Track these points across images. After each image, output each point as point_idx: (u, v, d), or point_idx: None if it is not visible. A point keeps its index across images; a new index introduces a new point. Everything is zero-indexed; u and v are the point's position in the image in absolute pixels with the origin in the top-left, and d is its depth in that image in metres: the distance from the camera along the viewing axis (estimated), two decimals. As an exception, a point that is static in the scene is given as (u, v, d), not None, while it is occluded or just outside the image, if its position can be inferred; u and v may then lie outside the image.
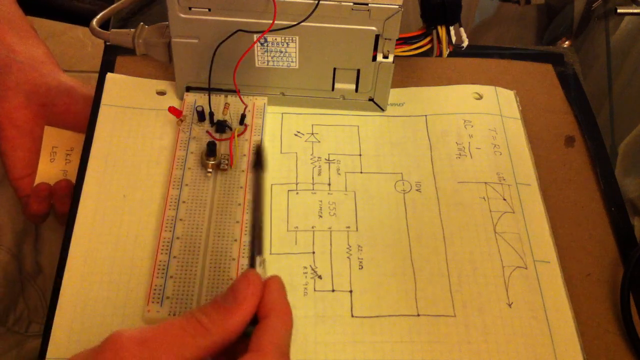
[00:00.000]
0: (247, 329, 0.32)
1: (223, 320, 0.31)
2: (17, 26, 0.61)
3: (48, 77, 0.58)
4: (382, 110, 0.54)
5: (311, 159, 0.51)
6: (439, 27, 0.50)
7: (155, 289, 0.42)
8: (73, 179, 0.57)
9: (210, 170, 0.48)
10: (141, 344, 0.30)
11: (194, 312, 0.32)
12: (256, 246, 0.35)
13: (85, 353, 0.30)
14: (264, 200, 0.38)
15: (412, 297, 0.44)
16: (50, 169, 0.57)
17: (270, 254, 0.46)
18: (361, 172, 0.51)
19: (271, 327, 0.32)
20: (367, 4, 0.47)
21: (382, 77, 0.52)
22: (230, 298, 0.32)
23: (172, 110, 0.50)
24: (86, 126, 0.52)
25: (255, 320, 0.32)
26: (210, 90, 0.51)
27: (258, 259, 0.35)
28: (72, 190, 0.56)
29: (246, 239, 0.45)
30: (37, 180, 0.57)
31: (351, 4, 0.47)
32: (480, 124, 0.54)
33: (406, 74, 0.57)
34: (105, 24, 0.58)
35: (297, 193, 0.49)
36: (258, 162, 0.39)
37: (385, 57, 0.50)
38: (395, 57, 0.50)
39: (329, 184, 0.50)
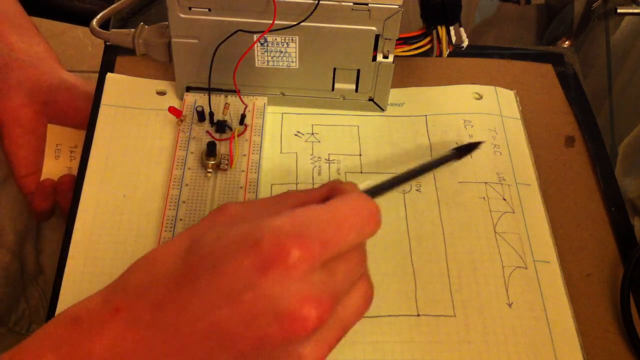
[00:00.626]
0: None
1: (309, 190, 0.35)
2: (17, 24, 0.61)
3: (49, 74, 0.58)
4: (382, 110, 0.54)
5: (311, 159, 0.51)
6: (439, 27, 0.50)
7: (155, 289, 0.42)
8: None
9: (210, 170, 0.48)
10: (243, 205, 0.34)
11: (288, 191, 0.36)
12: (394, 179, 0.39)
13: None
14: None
15: (412, 297, 0.44)
16: (55, 166, 0.58)
17: (270, 254, 0.46)
18: (361, 172, 0.51)
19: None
20: (367, 4, 0.47)
21: (382, 77, 0.52)
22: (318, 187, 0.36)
23: (172, 110, 0.50)
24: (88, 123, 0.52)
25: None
26: (210, 90, 0.51)
27: (367, 182, 0.38)
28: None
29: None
30: (43, 178, 0.57)
31: (351, 4, 0.47)
32: (480, 124, 0.54)
33: (406, 74, 0.57)
34: (105, 24, 0.58)
35: (297, 193, 0.49)
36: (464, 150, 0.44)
37: (385, 57, 0.50)
38: (395, 57, 0.50)
39: (329, 184, 0.50)
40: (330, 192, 0.35)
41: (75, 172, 0.57)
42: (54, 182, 0.57)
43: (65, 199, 0.56)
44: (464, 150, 0.44)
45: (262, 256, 0.28)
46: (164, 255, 0.32)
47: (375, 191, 0.38)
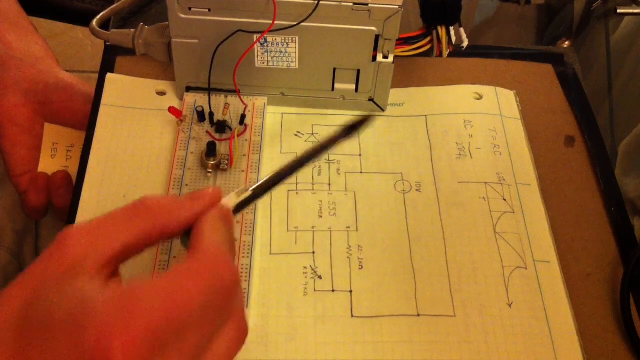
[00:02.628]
0: (184, 237, 0.32)
1: (172, 208, 0.31)
2: (15, 23, 0.61)
3: (46, 74, 0.58)
4: (382, 110, 0.54)
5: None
6: (439, 27, 0.50)
7: (155, 289, 0.42)
8: (74, 174, 0.57)
9: (210, 170, 0.48)
10: (86, 233, 0.30)
11: (146, 196, 0.31)
12: (257, 184, 0.35)
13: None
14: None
15: (412, 297, 0.44)
16: (51, 165, 0.58)
17: (270, 254, 0.46)
18: (361, 172, 0.51)
19: (216, 231, 0.32)
20: (367, 4, 0.47)
21: (382, 77, 0.52)
22: (187, 195, 0.33)
23: (172, 110, 0.50)
24: (85, 123, 0.52)
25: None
26: (210, 90, 0.51)
27: (242, 187, 0.35)
28: (70, 182, 0.56)
29: (246, 239, 0.45)
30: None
31: (351, 4, 0.47)
32: (480, 124, 0.54)
33: (406, 74, 0.57)
34: (105, 24, 0.58)
35: (297, 193, 0.49)
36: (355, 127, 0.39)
37: (385, 57, 0.50)
38: (395, 57, 0.50)
39: (329, 184, 0.50)
40: (195, 216, 0.32)
41: (71, 172, 0.57)
42: (47, 176, 0.57)
43: (58, 195, 0.56)
44: (353, 127, 0.40)
45: (86, 349, 0.26)
46: None
47: (251, 198, 0.35)
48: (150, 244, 0.31)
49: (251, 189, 0.35)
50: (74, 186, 0.49)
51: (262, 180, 0.36)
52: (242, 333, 0.32)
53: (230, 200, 0.34)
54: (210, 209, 0.33)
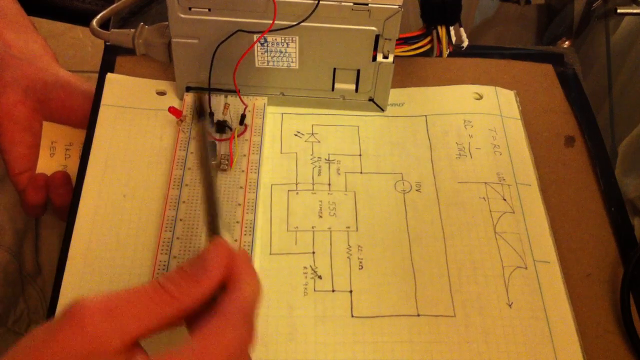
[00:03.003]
0: (215, 293, 0.32)
1: (191, 289, 0.31)
2: (14, 21, 0.61)
3: (45, 72, 0.58)
4: (382, 110, 0.54)
5: (311, 159, 0.51)
6: (439, 27, 0.50)
7: (155, 289, 0.42)
8: (73, 173, 0.57)
9: (210, 170, 0.48)
10: (106, 313, 0.28)
11: (161, 280, 0.31)
12: (216, 211, 0.35)
13: (46, 325, 0.29)
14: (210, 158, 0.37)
15: (412, 297, 0.44)
16: (50, 164, 0.57)
17: (270, 254, 0.46)
18: (361, 172, 0.51)
19: (237, 292, 0.31)
20: (367, 4, 0.47)
21: (382, 77, 0.52)
22: (198, 266, 0.32)
23: (172, 110, 0.50)
24: (84, 121, 0.52)
25: (222, 286, 0.32)
26: (210, 90, 0.51)
27: (220, 222, 0.35)
28: (69, 182, 0.56)
29: (246, 239, 0.45)
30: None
31: (351, 4, 0.47)
32: (480, 124, 0.54)
33: (406, 74, 0.57)
34: (105, 24, 0.58)
35: (297, 193, 0.49)
36: (201, 111, 0.39)
37: (385, 57, 0.50)
38: (395, 57, 0.50)
39: (329, 184, 0.50)
40: (214, 288, 0.31)
41: (70, 170, 0.57)
42: (46, 176, 0.57)
43: (57, 194, 0.56)
44: (200, 110, 0.40)
45: None
46: None
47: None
48: (173, 325, 0.31)
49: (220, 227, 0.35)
50: (74, 186, 0.49)
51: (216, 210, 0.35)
52: None
53: (228, 240, 0.34)
54: (228, 266, 0.32)
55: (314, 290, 0.44)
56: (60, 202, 0.56)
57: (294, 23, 0.47)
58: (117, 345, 0.28)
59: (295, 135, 0.52)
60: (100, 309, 0.28)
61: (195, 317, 0.31)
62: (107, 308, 0.29)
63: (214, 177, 0.36)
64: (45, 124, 0.58)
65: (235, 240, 0.45)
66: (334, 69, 0.51)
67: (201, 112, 0.39)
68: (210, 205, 0.35)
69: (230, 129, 0.50)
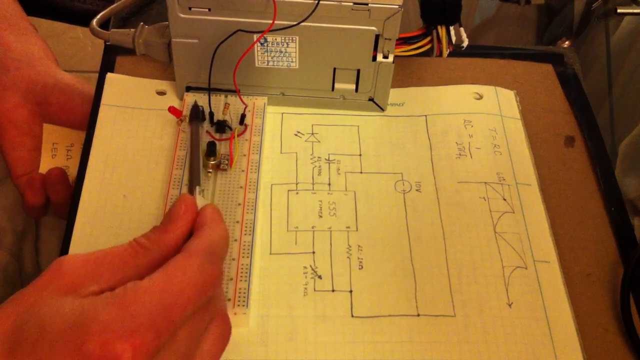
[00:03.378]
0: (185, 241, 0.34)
1: (160, 238, 0.33)
2: (14, 23, 0.61)
3: (44, 74, 0.58)
4: (382, 110, 0.54)
5: (311, 159, 0.51)
6: (439, 27, 0.50)
7: (155, 289, 0.42)
8: (75, 174, 0.57)
9: (210, 170, 0.48)
10: (83, 262, 0.31)
11: (136, 237, 0.33)
12: (195, 177, 0.40)
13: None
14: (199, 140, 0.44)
15: (412, 297, 0.44)
16: (52, 165, 0.58)
17: (270, 254, 0.46)
18: (361, 172, 0.51)
19: (203, 234, 0.34)
20: (367, 4, 0.47)
21: (382, 77, 0.52)
22: (166, 219, 0.34)
23: (172, 110, 0.50)
24: (84, 123, 0.52)
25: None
26: (210, 90, 0.51)
27: (197, 189, 0.39)
28: (65, 179, 0.56)
29: (246, 238, 0.45)
30: None
31: (351, 4, 0.47)
32: (480, 124, 0.54)
33: (406, 74, 0.57)
34: (105, 24, 0.58)
35: (297, 193, 0.49)
36: (196, 115, 0.47)
37: (385, 57, 0.50)
38: (395, 57, 0.50)
39: (329, 184, 0.50)
40: (184, 234, 0.34)
41: (72, 171, 0.57)
42: (42, 175, 0.57)
43: (54, 191, 0.56)
44: (195, 115, 0.48)
45: (90, 355, 0.27)
46: None
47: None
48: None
49: (197, 186, 0.40)
50: (75, 185, 0.49)
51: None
52: (226, 330, 0.34)
53: (201, 201, 0.36)
54: (194, 217, 0.35)
55: (314, 290, 0.44)
56: (58, 199, 0.56)
57: (294, 23, 0.47)
58: (92, 290, 0.30)
59: (295, 135, 0.52)
60: (79, 259, 0.31)
61: None
62: (85, 259, 0.31)
63: (200, 157, 0.43)
64: (45, 126, 0.58)
65: (235, 240, 0.45)
66: (334, 69, 0.51)
67: (196, 114, 0.47)
68: (191, 173, 0.41)
69: (230, 128, 0.50)
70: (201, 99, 0.52)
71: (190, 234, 0.34)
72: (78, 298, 0.29)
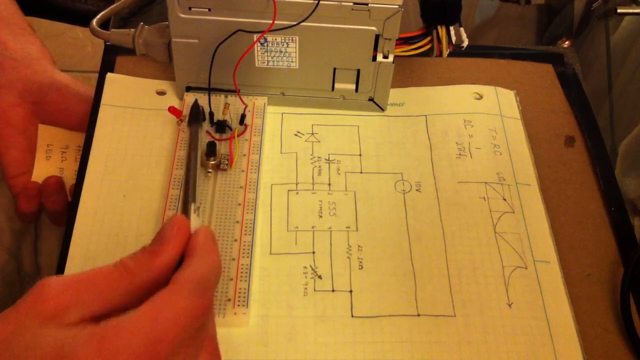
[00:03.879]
0: (174, 268, 0.32)
1: (147, 261, 0.31)
2: (11, 22, 0.61)
3: (41, 74, 0.58)
4: (382, 110, 0.54)
5: (311, 159, 0.51)
6: (439, 27, 0.50)
7: (155, 289, 0.42)
8: (69, 176, 0.57)
9: (210, 170, 0.48)
10: (65, 286, 0.29)
11: (122, 258, 0.31)
12: (190, 193, 0.37)
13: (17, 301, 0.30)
14: (198, 153, 0.41)
15: (412, 297, 0.44)
16: (46, 167, 0.57)
17: (270, 254, 0.46)
18: (361, 172, 0.51)
19: (192, 264, 0.31)
20: (367, 4, 0.47)
21: (382, 77, 0.52)
22: (156, 241, 0.32)
23: (172, 110, 0.50)
24: (79, 124, 0.52)
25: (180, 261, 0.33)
26: (210, 90, 0.51)
27: (192, 206, 0.36)
28: (62, 188, 0.56)
29: (246, 238, 0.45)
30: (34, 178, 0.57)
31: (351, 4, 0.47)
32: (480, 124, 0.54)
33: (406, 74, 0.57)
34: (105, 24, 0.58)
35: (297, 193, 0.49)
36: (195, 117, 0.45)
37: (385, 57, 0.50)
38: (395, 57, 0.50)
39: (329, 184, 0.50)
40: (174, 258, 0.32)
41: (66, 173, 0.57)
42: (38, 184, 0.56)
43: (51, 201, 0.56)
44: (194, 116, 0.46)
45: None
46: None
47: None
48: (137, 302, 0.30)
49: (192, 203, 0.37)
50: (75, 185, 0.49)
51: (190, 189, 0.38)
52: (216, 354, 0.32)
53: (195, 221, 0.34)
54: (185, 241, 0.32)
55: (314, 290, 0.44)
56: (54, 208, 0.56)
57: (294, 23, 0.47)
58: (74, 318, 0.29)
59: (295, 135, 0.52)
60: (61, 283, 0.29)
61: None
62: (66, 283, 0.29)
63: (197, 166, 0.41)
64: (41, 127, 0.57)
65: (235, 240, 0.45)
66: (334, 69, 0.51)
67: (196, 115, 0.45)
68: (187, 189, 0.38)
69: (230, 128, 0.50)
70: (201, 99, 0.52)
71: (180, 258, 0.32)
72: (59, 328, 0.28)
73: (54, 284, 0.29)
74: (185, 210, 0.36)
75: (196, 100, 0.49)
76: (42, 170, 0.57)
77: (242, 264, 0.44)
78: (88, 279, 0.30)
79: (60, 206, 0.56)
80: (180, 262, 0.32)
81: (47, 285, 0.29)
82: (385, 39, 0.49)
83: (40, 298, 0.29)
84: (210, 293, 0.32)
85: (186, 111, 0.51)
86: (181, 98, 0.53)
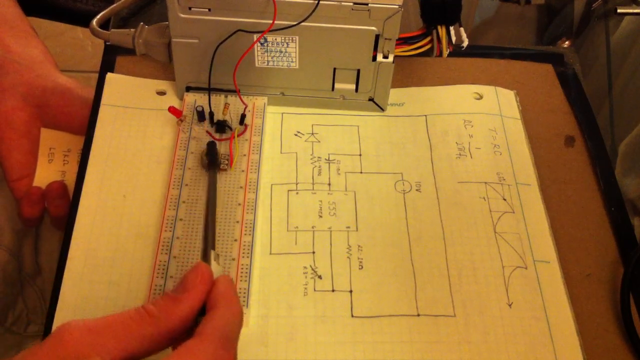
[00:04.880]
0: (197, 318, 0.33)
1: (170, 308, 0.32)
2: (15, 26, 0.61)
3: (44, 78, 0.58)
4: (382, 110, 0.54)
5: (311, 159, 0.51)
6: (439, 27, 0.50)
7: (155, 289, 0.42)
8: (71, 179, 0.57)
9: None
10: (87, 331, 0.30)
11: (144, 304, 0.32)
12: (209, 240, 0.37)
13: (35, 344, 0.30)
14: (217, 197, 0.41)
15: (412, 297, 0.44)
16: (48, 170, 0.57)
17: (270, 254, 0.46)
18: (361, 172, 0.51)
19: (217, 316, 0.32)
20: (367, 4, 0.47)
21: (382, 77, 0.52)
22: (179, 288, 0.33)
23: (172, 110, 0.50)
24: (82, 128, 0.52)
25: (204, 312, 0.33)
26: (210, 90, 0.51)
27: (212, 254, 0.36)
28: (65, 193, 0.56)
29: (246, 238, 0.45)
30: (36, 182, 0.57)
31: (351, 4, 0.47)
32: (480, 124, 0.54)
33: (406, 74, 0.57)
34: (105, 24, 0.58)
35: (297, 193, 0.49)
36: (212, 161, 0.44)
37: (385, 57, 0.50)
38: (395, 57, 0.50)
39: (329, 184, 0.50)
40: (197, 306, 0.33)
41: (68, 176, 0.57)
42: (41, 190, 0.56)
43: (54, 206, 0.56)
44: (212, 160, 0.45)
45: None
46: None
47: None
48: (158, 349, 0.31)
49: (212, 251, 0.37)
50: (75, 186, 0.49)
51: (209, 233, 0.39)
52: None
53: (215, 269, 0.35)
54: (208, 289, 0.33)
55: (314, 290, 0.44)
56: (57, 213, 0.56)
57: (294, 23, 0.47)
58: None
59: (295, 135, 0.52)
60: (82, 327, 0.30)
61: (179, 342, 0.32)
62: (88, 327, 0.30)
63: (215, 212, 0.41)
64: (43, 130, 0.58)
65: (235, 240, 0.45)
66: (334, 69, 0.51)
67: (213, 159, 0.44)
68: (206, 236, 0.38)
69: (230, 128, 0.50)
70: (201, 99, 0.52)
71: (201, 306, 0.33)
72: None
73: (75, 328, 0.30)
74: (205, 257, 0.36)
75: (213, 142, 0.47)
76: (44, 173, 0.57)
77: (242, 264, 0.44)
78: (110, 324, 0.30)
79: (63, 211, 0.56)
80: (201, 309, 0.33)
81: (68, 329, 0.29)
82: (385, 39, 0.49)
83: (61, 343, 0.29)
84: (235, 344, 0.32)
85: (186, 111, 0.51)
86: (181, 98, 0.53)
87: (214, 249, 0.37)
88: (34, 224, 0.59)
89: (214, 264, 0.36)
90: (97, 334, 0.30)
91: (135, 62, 0.56)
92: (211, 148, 0.46)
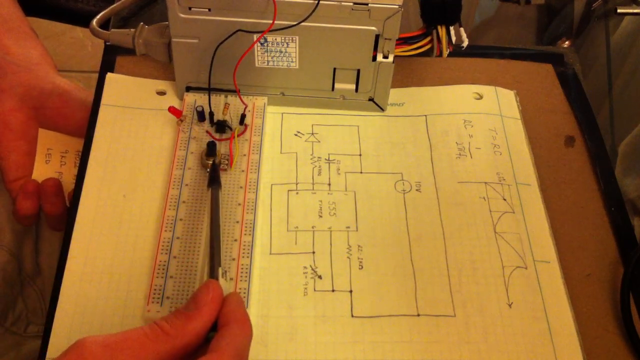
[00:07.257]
0: (209, 334, 0.34)
1: (183, 325, 0.33)
2: (14, 27, 0.61)
3: (42, 79, 0.58)
4: (382, 110, 0.54)
5: (311, 159, 0.51)
6: (439, 27, 0.50)
7: (155, 289, 0.42)
8: (68, 180, 0.57)
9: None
10: (104, 347, 0.31)
11: (157, 320, 0.33)
12: (216, 258, 0.38)
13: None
14: (220, 215, 0.42)
15: (412, 297, 0.44)
16: (45, 171, 0.57)
17: (270, 254, 0.46)
18: (361, 172, 0.51)
19: (231, 333, 0.33)
20: (367, 4, 0.47)
21: (382, 77, 0.52)
22: (191, 305, 0.34)
23: (172, 110, 0.50)
24: (79, 129, 0.52)
25: (216, 328, 0.34)
26: (210, 90, 0.51)
27: (220, 270, 0.38)
28: (60, 190, 0.56)
29: (246, 238, 0.45)
30: None
31: (351, 4, 0.47)
32: (480, 124, 0.54)
33: (406, 74, 0.57)
34: (105, 24, 0.58)
35: (297, 193, 0.49)
36: (214, 179, 0.44)
37: (385, 57, 0.50)
38: (395, 57, 0.50)
39: (329, 184, 0.50)
40: (209, 322, 0.34)
41: (65, 177, 0.57)
42: (37, 183, 0.57)
43: (50, 204, 0.56)
44: (214, 179, 0.45)
45: None
46: None
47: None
48: None
49: (219, 267, 0.38)
50: (75, 185, 0.49)
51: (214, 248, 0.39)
52: None
53: (224, 286, 0.36)
54: (219, 307, 0.34)
55: (314, 290, 0.44)
56: (52, 210, 0.56)
57: (294, 23, 0.47)
58: None
59: (295, 135, 0.52)
60: (99, 343, 0.31)
61: (192, 359, 0.33)
62: (106, 343, 0.31)
63: (220, 229, 0.41)
64: (41, 131, 0.58)
65: (235, 240, 0.45)
66: (334, 69, 0.51)
67: (214, 176, 0.44)
68: (212, 253, 0.39)
69: (230, 128, 0.50)
70: (201, 99, 0.52)
71: (213, 323, 0.34)
72: None
73: (91, 346, 0.31)
74: (213, 275, 0.37)
75: (215, 162, 0.48)
76: (41, 173, 0.57)
77: (242, 264, 0.44)
78: (124, 341, 0.32)
79: (58, 209, 0.56)
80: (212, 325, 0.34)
81: (84, 346, 0.31)
82: (385, 39, 0.49)
83: (80, 357, 0.30)
84: (246, 359, 0.34)
85: (186, 111, 0.51)
86: (181, 98, 0.53)
87: (220, 265, 0.38)
88: (29, 223, 0.59)
89: (222, 281, 0.37)
90: (114, 350, 0.31)
91: (135, 62, 0.56)
92: (214, 167, 0.46)
